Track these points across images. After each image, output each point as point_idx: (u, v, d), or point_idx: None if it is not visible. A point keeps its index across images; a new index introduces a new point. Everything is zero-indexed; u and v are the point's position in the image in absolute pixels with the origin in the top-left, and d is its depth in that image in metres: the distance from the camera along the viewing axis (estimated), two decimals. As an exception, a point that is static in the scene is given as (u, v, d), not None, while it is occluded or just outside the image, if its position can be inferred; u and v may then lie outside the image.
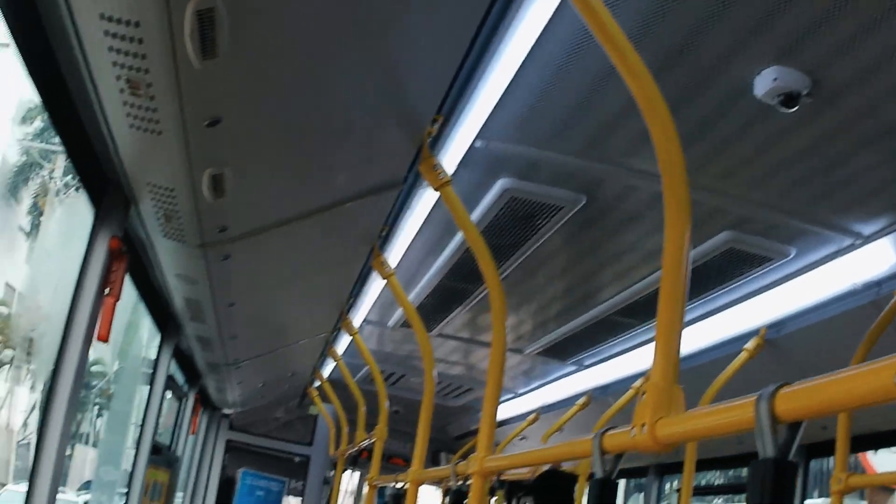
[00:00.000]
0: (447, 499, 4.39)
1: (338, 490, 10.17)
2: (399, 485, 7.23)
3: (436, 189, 4.05)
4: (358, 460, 9.94)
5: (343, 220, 4.69)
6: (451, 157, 4.18)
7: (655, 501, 8.68)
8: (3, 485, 34.51)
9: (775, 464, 1.86)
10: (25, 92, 49.90)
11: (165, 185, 3.66)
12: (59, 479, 4.02)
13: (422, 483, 5.03)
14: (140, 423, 6.96)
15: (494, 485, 10.55)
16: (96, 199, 4.01)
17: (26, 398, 51.35)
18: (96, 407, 52.74)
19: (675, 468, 7.92)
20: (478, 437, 3.86)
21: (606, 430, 2.66)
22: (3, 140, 51.80)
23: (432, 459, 11.59)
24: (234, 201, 3.82)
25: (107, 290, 4.05)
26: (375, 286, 6.32)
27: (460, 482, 4.27)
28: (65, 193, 52.77)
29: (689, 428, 2.30)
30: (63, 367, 3.99)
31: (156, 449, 7.16)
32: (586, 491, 7.19)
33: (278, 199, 4.25)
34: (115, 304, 4.08)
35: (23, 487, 29.64)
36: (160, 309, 6.15)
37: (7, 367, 49.22)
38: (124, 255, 4.05)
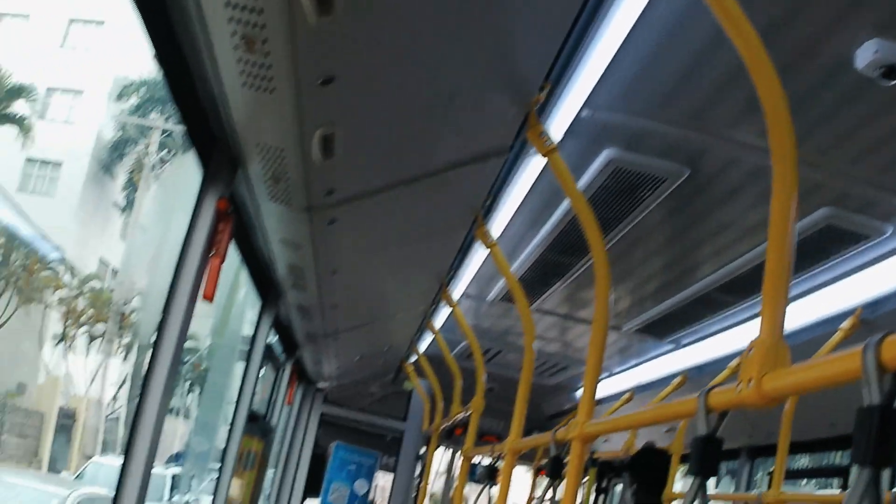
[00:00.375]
0: (545, 468, 4.39)
1: (430, 466, 10.21)
2: (487, 461, 7.23)
3: (543, 155, 4.05)
4: (451, 436, 9.94)
5: (447, 188, 4.70)
6: (557, 126, 4.17)
7: (746, 485, 8.63)
8: (90, 457, 34.87)
9: (881, 411, 1.88)
10: (120, 69, 50.50)
11: (275, 146, 3.69)
12: (156, 449, 4.07)
13: (519, 452, 5.05)
14: (235, 394, 7.02)
15: (587, 464, 10.56)
16: (204, 160, 4.05)
17: (117, 372, 51.95)
18: (187, 382, 53.24)
19: (766, 451, 7.86)
20: (579, 402, 3.87)
21: (711, 388, 2.67)
22: (100, 116, 52.36)
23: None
24: (342, 163, 3.85)
25: (212, 252, 4.11)
26: (477, 258, 6.31)
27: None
28: (160, 169, 53.31)
29: (795, 381, 2.32)
30: (167, 326, 4.05)
31: (252, 417, 7.22)
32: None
33: (385, 164, 4.27)
34: (220, 265, 4.14)
35: (108, 460, 30.04)
36: (262, 276, 6.20)
37: (99, 340, 49.73)
38: (230, 217, 4.10)
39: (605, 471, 11.87)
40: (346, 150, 3.70)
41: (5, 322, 45.39)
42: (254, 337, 6.96)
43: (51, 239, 46.18)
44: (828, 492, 7.00)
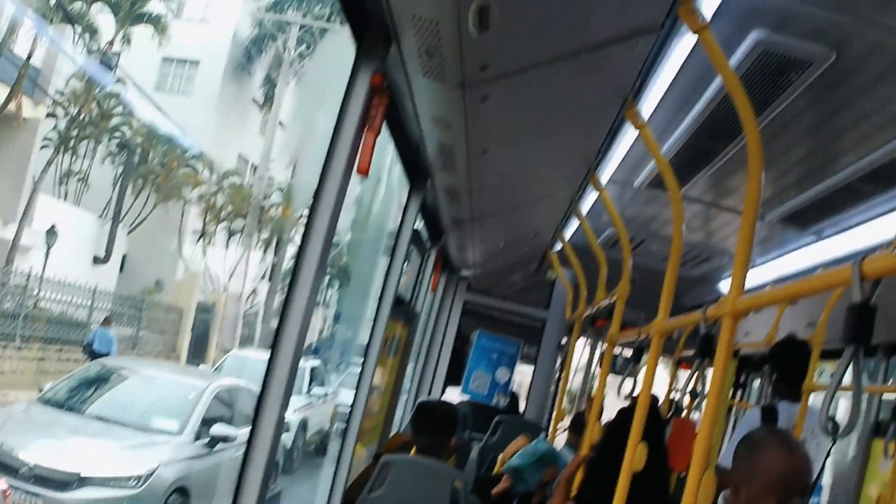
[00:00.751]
0: (686, 361, 4.36)
1: (572, 355, 10.26)
2: (628, 354, 7.23)
3: (695, 32, 4.02)
4: (593, 326, 9.96)
5: (598, 66, 4.68)
6: (706, 6, 4.13)
7: (882, 382, 8.54)
8: (228, 351, 35.47)
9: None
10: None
11: (430, 18, 3.71)
12: (304, 340, 4.18)
13: (667, 333, 5.06)
14: (375, 289, 7.10)
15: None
16: (358, 35, 4.10)
17: (256, 267, 52.68)
18: (327, 276, 53.80)
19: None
20: (732, 277, 3.87)
21: (865, 256, 2.67)
22: (236, 14, 52.69)
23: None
24: (496, 37, 3.86)
25: (367, 126, 4.16)
26: (625, 141, 6.26)
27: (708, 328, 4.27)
28: (299, 64, 53.60)
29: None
30: (321, 202, 4.12)
31: (397, 301, 7.30)
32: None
33: (537, 38, 4.27)
34: (374, 139, 4.19)
35: (246, 353, 30.50)
36: (411, 157, 6.23)
37: (238, 236, 50.40)
38: (385, 92, 4.14)
39: (743, 365, 11.83)
40: (500, 23, 3.71)
41: (144, 220, 46.22)
42: (401, 221, 7.02)
43: (189, 136, 46.75)
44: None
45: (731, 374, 10.82)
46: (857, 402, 2.85)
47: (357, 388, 6.96)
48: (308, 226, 4.13)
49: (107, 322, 31.34)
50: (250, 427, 4.08)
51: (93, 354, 27.20)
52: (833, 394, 2.82)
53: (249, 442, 4.06)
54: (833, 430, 3.01)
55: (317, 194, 4.12)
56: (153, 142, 46.25)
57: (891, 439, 6.11)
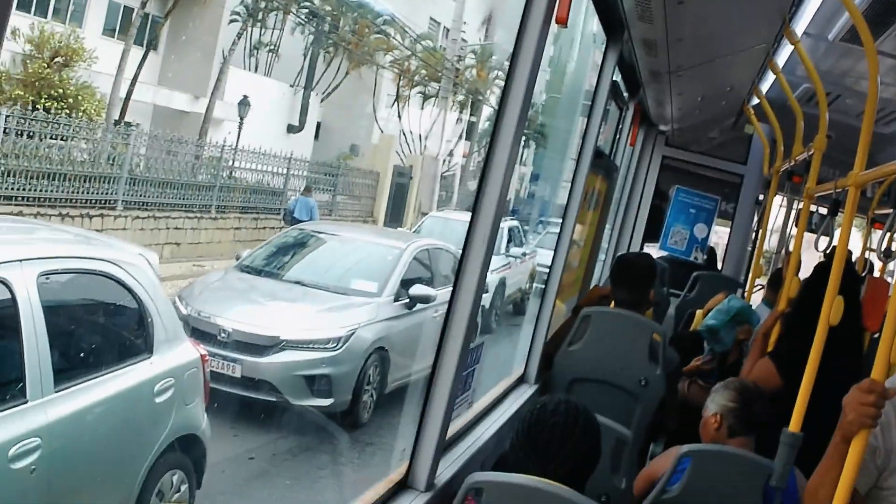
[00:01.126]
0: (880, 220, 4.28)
1: (770, 210, 10.18)
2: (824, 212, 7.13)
3: None
4: (790, 180, 9.84)
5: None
6: None
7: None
8: (426, 214, 35.71)
9: None
10: None
11: None
12: (504, 202, 4.23)
13: (864, 184, 5.01)
14: (572, 147, 7.13)
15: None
16: None
17: (452, 129, 52.79)
18: (524, 137, 53.78)
19: None
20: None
21: None
22: None
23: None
24: None
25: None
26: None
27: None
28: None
29: None
30: (520, 54, 4.16)
31: (597, 154, 7.32)
32: None
33: None
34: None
35: (444, 214, 30.65)
36: (607, 8, 6.21)
37: (433, 99, 50.52)
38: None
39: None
40: None
41: (337, 87, 46.64)
42: (600, 72, 7.01)
43: (379, 2, 46.81)
44: None
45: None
46: None
47: (557, 242, 7.03)
48: (508, 80, 4.17)
49: (307, 191, 32.21)
50: (451, 287, 4.19)
51: (293, 222, 27.33)
52: None
53: (451, 300, 4.18)
54: None
55: (516, 47, 4.15)
56: (343, 9, 46.53)
57: None
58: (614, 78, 7.46)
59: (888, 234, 5.14)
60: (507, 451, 4.18)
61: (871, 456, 3.79)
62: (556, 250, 7.01)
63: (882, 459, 3.79)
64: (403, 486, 4.23)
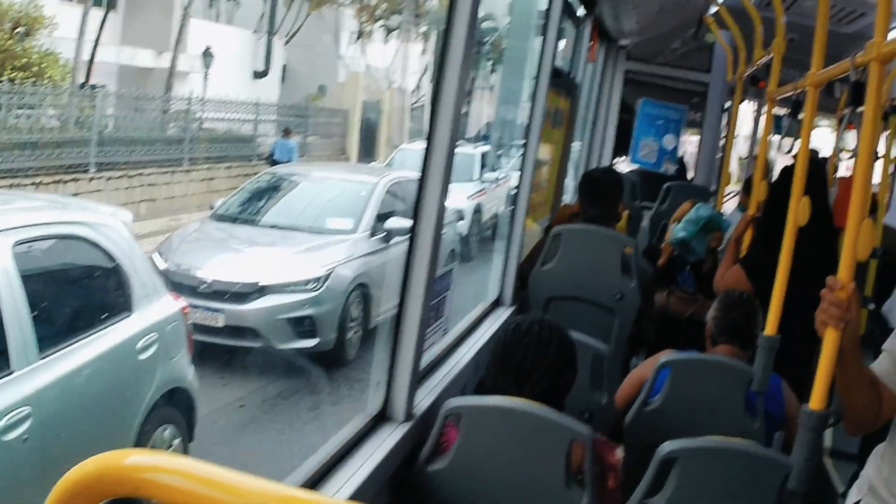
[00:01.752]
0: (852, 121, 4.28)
1: (736, 117, 10.21)
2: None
3: None
4: (755, 85, 9.87)
5: None
6: None
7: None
8: (397, 146, 35.85)
9: None
10: None
11: None
12: (457, 130, 4.23)
13: (821, 84, 5.01)
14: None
15: (887, 111, 10.36)
16: None
17: (417, 61, 52.68)
18: (489, 62, 53.65)
19: None
20: (876, 20, 3.80)
21: None
22: None
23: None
24: None
25: None
26: None
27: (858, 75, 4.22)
28: None
29: None
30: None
31: (555, 73, 7.30)
32: None
33: None
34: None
35: (416, 146, 30.75)
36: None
37: (396, 32, 50.46)
38: None
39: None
40: None
41: (299, 28, 46.49)
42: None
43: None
44: None
45: (893, 131, 10.69)
46: None
47: (523, 161, 7.05)
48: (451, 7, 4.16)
49: (286, 133, 32.79)
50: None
51: (274, 164, 28.09)
52: None
53: (412, 229, 4.18)
54: None
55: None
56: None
57: None
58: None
59: (847, 126, 5.12)
60: (485, 374, 4.21)
61: None
62: (521, 171, 7.02)
63: None
64: (382, 418, 4.25)
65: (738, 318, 5.33)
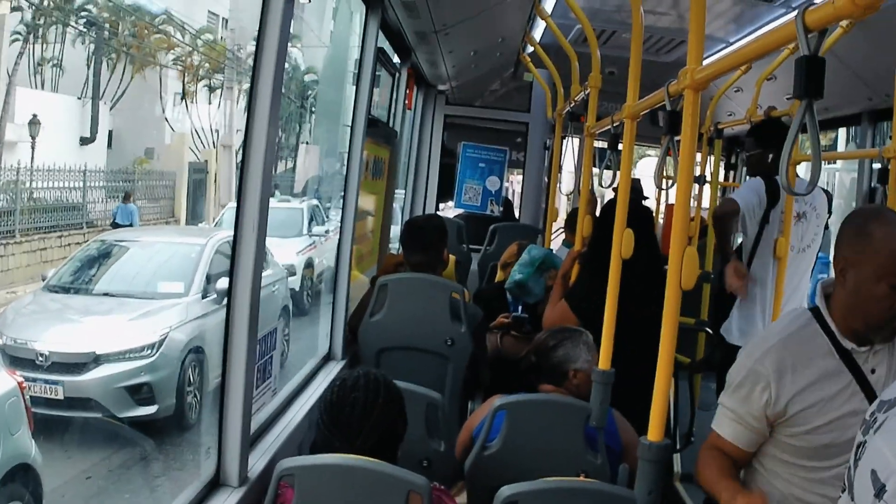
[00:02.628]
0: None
1: (558, 153, 10.26)
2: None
3: None
4: (574, 123, 9.96)
5: None
6: None
7: (871, 144, 8.56)
8: (225, 205, 35.97)
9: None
10: None
11: None
12: (270, 180, 4.19)
13: (637, 116, 5.04)
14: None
15: (712, 136, 10.56)
16: None
17: (242, 118, 52.72)
18: (313, 114, 53.83)
19: (886, 114, 7.79)
20: (688, 49, 3.83)
21: (807, 7, 2.64)
22: None
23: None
24: None
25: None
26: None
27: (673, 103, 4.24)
28: None
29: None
30: (267, 25, 4.09)
31: (371, 122, 7.26)
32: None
33: None
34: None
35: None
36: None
37: (219, 91, 50.52)
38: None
39: (732, 146, 11.88)
40: None
41: (123, 93, 46.27)
42: (363, 41, 6.95)
43: (156, 2, 46.60)
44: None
45: (717, 154, 10.89)
46: (817, 160, 2.86)
47: (342, 213, 6.98)
48: (256, 58, 4.08)
49: (127, 198, 33.62)
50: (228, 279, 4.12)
51: (117, 227, 29.20)
52: (790, 149, 2.82)
53: (230, 291, 4.10)
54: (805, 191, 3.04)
55: (261, 23, 4.09)
56: (120, 14, 46.05)
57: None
58: (381, 44, 7.41)
59: (662, 165, 5.17)
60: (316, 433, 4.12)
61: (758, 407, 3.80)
62: (342, 223, 6.96)
63: (773, 408, 3.79)
64: (216, 483, 4.14)
65: (544, 364, 5.36)
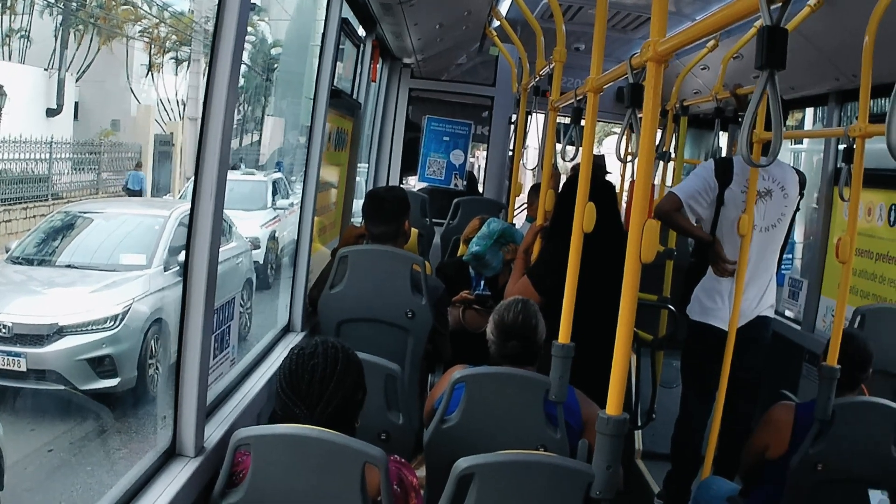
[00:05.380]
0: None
1: (522, 127, 10.25)
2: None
3: None
4: (538, 97, 9.94)
5: None
6: None
7: (837, 124, 8.57)
8: (190, 178, 36.06)
9: None
10: None
11: None
12: (228, 155, 4.17)
13: (600, 89, 5.02)
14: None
15: (678, 112, 10.55)
16: None
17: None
18: (278, 89, 53.78)
19: (853, 95, 7.81)
20: (651, 21, 3.80)
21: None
22: None
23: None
24: None
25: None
26: None
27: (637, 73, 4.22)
28: None
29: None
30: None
31: (335, 93, 7.22)
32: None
33: None
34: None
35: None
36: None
37: (186, 63, 50.46)
38: None
39: (696, 122, 11.89)
40: None
41: (90, 64, 46.09)
42: (327, 11, 6.89)
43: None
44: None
45: (683, 130, 10.89)
46: (779, 131, 2.84)
47: (304, 185, 6.95)
48: (216, 27, 4.04)
49: (138, 166, 36.57)
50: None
51: (131, 194, 32.02)
52: (751, 120, 2.80)
53: (186, 261, 4.07)
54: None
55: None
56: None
57: (844, 184, 6.16)
58: (346, 15, 7.37)
59: (625, 139, 5.18)
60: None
61: None
62: (303, 194, 6.92)
63: None
64: (172, 453, 4.12)
65: (513, 349, 5.30)
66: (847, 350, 5.61)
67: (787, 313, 9.20)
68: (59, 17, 45.71)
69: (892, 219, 7.61)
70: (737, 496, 6.04)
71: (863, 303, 7.65)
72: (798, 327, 8.79)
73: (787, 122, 11.04)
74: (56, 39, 45.25)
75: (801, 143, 16.31)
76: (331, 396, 3.89)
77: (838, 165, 7.80)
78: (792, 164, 8.96)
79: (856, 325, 6.89)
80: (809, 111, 13.57)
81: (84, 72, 46.72)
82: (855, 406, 5.45)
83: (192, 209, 4.03)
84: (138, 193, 32.86)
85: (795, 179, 7.63)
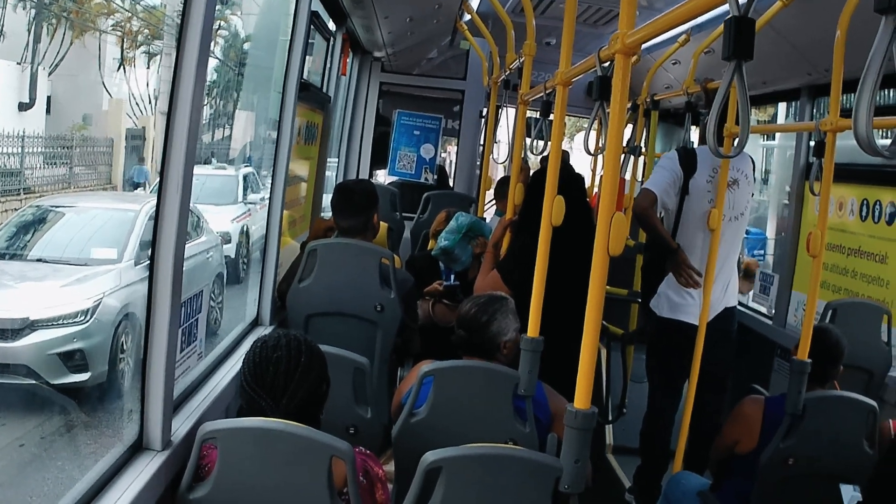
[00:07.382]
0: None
1: (492, 121, 10.26)
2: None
3: None
4: (508, 90, 9.95)
5: None
6: None
7: (809, 119, 8.60)
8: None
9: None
10: None
11: None
12: (195, 148, 4.11)
13: (569, 83, 5.01)
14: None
15: (648, 107, 10.57)
16: None
17: (180, 85, 52.48)
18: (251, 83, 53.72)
19: (825, 90, 7.83)
20: (620, 14, 3.80)
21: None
22: None
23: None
24: None
25: None
26: None
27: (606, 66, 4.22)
28: None
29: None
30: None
31: (304, 86, 7.19)
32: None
33: None
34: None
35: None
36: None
37: (158, 57, 50.38)
38: None
39: (666, 116, 11.90)
40: None
41: (62, 58, 45.96)
42: (296, 4, 6.87)
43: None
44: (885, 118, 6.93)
45: (654, 125, 10.91)
46: (746, 121, 2.84)
47: (272, 178, 6.93)
48: (182, 24, 4.02)
49: (141, 160, 38.84)
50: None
51: (135, 186, 34.19)
52: (718, 110, 2.80)
53: (152, 255, 4.04)
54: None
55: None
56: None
57: (815, 179, 6.17)
58: (316, 8, 7.34)
59: (594, 132, 5.16)
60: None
61: None
62: (272, 188, 6.92)
63: None
64: (139, 447, 4.10)
65: (458, 338, 5.30)
66: (819, 345, 5.63)
67: (759, 308, 9.23)
68: (33, 11, 45.57)
69: (863, 213, 7.63)
70: (707, 491, 6.04)
71: (835, 297, 7.67)
72: (770, 322, 8.81)
73: (759, 117, 11.05)
74: (29, 33, 45.12)
75: (774, 138, 16.38)
76: (296, 388, 3.89)
77: (810, 160, 7.82)
78: (763, 159, 8.99)
79: (827, 320, 6.91)
80: (782, 106, 13.61)
81: (57, 66, 46.59)
82: (826, 400, 5.47)
83: (159, 203, 4.00)
84: (142, 186, 34.24)
85: (752, 165, 7.70)
